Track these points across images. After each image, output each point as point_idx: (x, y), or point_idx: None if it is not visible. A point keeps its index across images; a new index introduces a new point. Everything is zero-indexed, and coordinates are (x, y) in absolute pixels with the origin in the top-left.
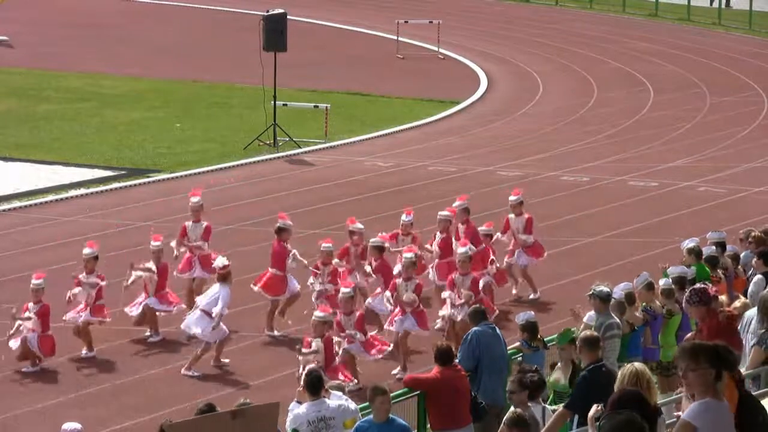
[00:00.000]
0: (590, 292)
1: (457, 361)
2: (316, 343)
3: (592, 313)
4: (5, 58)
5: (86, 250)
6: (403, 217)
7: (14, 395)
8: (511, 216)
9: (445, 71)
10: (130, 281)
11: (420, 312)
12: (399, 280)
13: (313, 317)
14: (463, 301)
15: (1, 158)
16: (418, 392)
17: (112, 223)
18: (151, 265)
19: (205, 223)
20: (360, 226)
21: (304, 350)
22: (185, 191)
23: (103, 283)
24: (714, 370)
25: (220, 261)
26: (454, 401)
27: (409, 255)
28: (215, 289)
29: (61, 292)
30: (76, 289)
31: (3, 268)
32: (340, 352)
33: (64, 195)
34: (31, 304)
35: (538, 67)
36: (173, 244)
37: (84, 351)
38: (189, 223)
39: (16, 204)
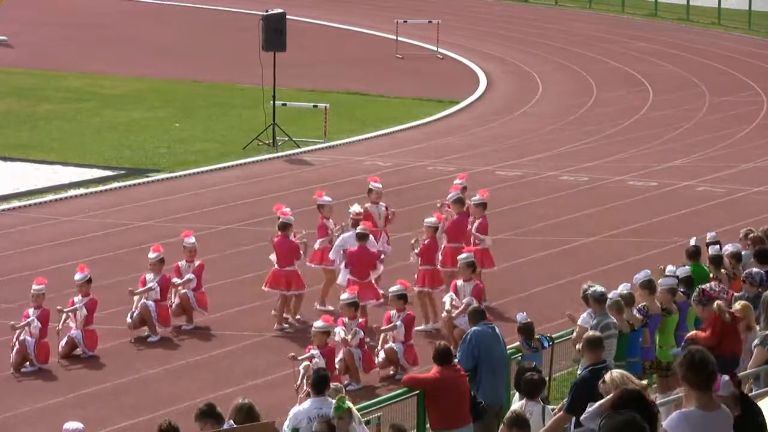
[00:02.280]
0: (583, 293)
1: (456, 360)
2: (314, 351)
3: (585, 315)
4: (5, 58)
5: (78, 275)
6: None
7: (14, 395)
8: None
9: (444, 71)
10: (134, 308)
11: (365, 350)
12: (346, 318)
13: (314, 327)
14: (462, 307)
15: (1, 158)
16: (417, 392)
17: (111, 223)
18: (152, 281)
19: (198, 262)
20: (328, 198)
21: (299, 358)
22: (185, 191)
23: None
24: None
25: (355, 207)
26: (454, 401)
27: (345, 296)
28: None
29: (58, 294)
30: (62, 320)
31: (2, 268)
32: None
33: (63, 195)
34: (31, 310)
35: (538, 67)
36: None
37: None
38: (182, 263)
39: (16, 204)
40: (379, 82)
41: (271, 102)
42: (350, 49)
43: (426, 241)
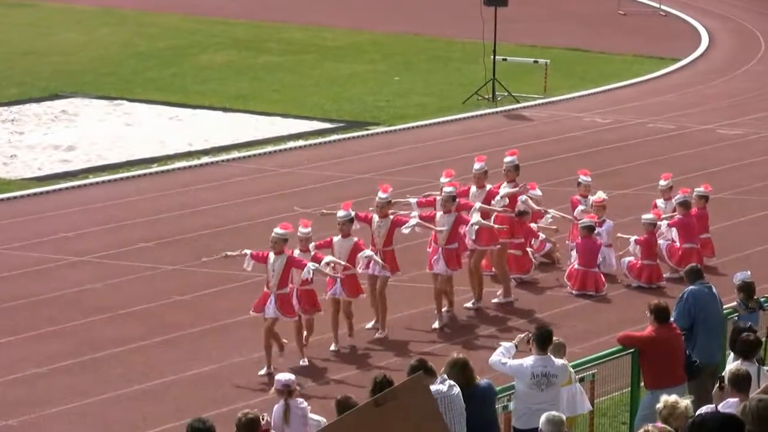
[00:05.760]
0: None
1: (672, 319)
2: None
3: None
4: (227, 10)
5: (341, 213)
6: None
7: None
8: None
9: (666, 28)
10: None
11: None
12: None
13: (274, 233)
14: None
15: (221, 109)
16: (632, 350)
17: (329, 176)
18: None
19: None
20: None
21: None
22: (404, 144)
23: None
24: None
25: (599, 194)
26: (669, 359)
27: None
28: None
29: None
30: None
31: (221, 218)
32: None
33: (282, 146)
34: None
35: (760, 25)
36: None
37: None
38: (297, 252)
39: (235, 154)
40: (601, 39)
41: (492, 57)
42: (572, 5)
43: (644, 237)
